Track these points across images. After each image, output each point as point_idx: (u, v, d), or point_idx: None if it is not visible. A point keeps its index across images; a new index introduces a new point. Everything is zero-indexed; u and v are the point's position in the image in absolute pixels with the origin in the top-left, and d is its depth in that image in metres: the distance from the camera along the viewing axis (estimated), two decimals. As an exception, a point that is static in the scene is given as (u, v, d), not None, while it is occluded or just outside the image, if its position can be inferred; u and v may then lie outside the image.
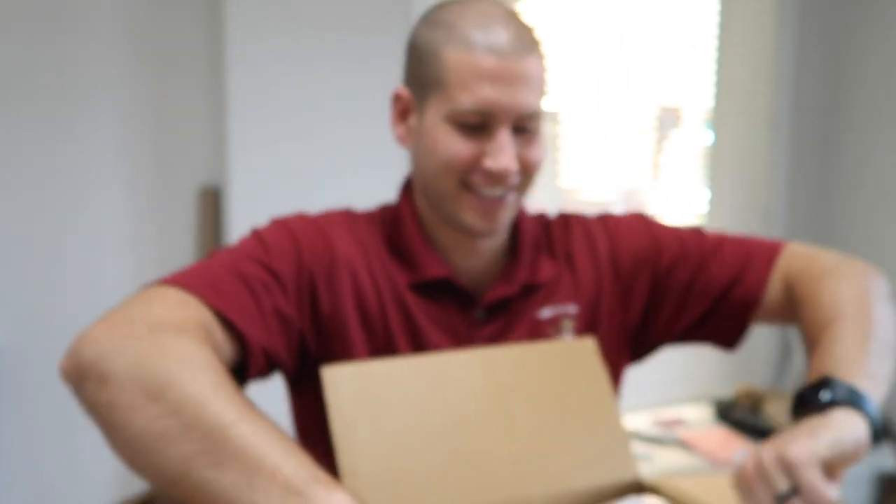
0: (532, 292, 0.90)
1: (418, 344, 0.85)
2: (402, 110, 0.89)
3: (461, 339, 0.87)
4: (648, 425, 2.37)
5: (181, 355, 0.63)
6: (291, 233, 0.85)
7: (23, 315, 1.79)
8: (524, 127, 0.82)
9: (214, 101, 1.91)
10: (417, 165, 0.89)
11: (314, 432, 0.84)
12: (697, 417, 2.47)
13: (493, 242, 0.89)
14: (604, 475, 0.74)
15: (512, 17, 0.83)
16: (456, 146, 0.81)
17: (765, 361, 2.68)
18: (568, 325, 0.89)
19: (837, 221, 2.64)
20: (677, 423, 2.41)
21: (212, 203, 1.94)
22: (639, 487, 0.76)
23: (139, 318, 0.68)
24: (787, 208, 2.61)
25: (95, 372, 0.64)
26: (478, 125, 0.81)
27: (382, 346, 0.85)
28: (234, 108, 1.82)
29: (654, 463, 2.11)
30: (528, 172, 0.84)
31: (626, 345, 0.96)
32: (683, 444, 2.26)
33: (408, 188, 0.93)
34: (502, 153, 0.80)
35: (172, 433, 0.58)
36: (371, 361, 0.71)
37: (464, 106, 0.80)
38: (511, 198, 0.85)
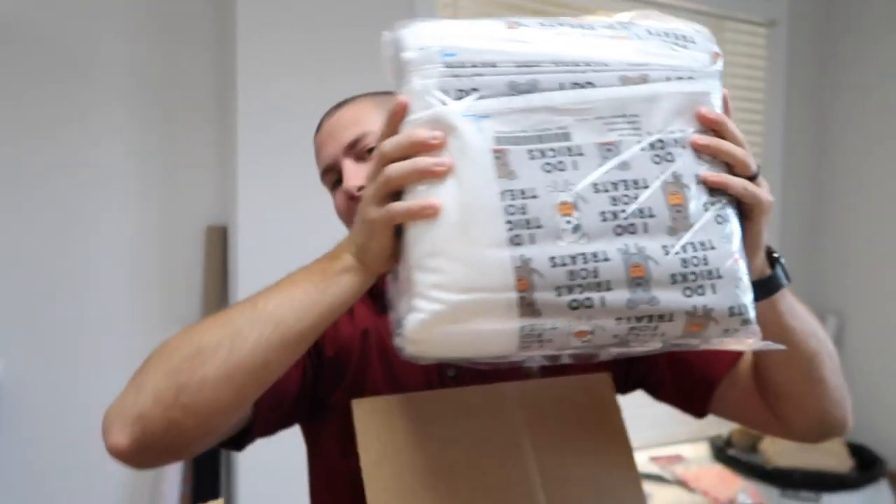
0: None
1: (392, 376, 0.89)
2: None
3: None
4: (646, 463, 2.39)
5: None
6: None
7: (32, 349, 1.81)
8: (365, 150, 0.92)
9: (222, 142, 1.97)
10: None
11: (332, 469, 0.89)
12: (695, 456, 2.50)
13: None
14: (614, 510, 0.77)
15: (340, 101, 1.01)
16: (337, 201, 0.97)
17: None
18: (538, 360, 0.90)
19: (828, 270, 2.70)
20: (676, 460, 2.43)
21: (218, 240, 1.98)
22: (648, 523, 0.79)
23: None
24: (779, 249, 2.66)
25: (145, 411, 0.68)
26: (338, 178, 0.95)
27: (358, 377, 0.89)
28: (242, 149, 1.86)
29: (654, 501, 2.13)
30: None
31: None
32: (682, 483, 2.28)
33: None
34: (346, 181, 0.92)
35: (229, 344, 0.68)
36: (397, 396, 0.74)
37: (321, 175, 0.99)
38: None
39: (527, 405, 0.78)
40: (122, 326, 1.90)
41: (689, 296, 0.64)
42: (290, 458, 1.83)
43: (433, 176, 0.63)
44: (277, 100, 1.89)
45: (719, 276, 0.64)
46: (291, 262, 1.92)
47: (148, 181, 1.91)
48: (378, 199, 0.66)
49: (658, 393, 1.00)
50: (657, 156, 0.66)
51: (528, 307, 0.61)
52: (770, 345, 0.68)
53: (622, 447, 0.80)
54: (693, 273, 0.64)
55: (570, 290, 0.61)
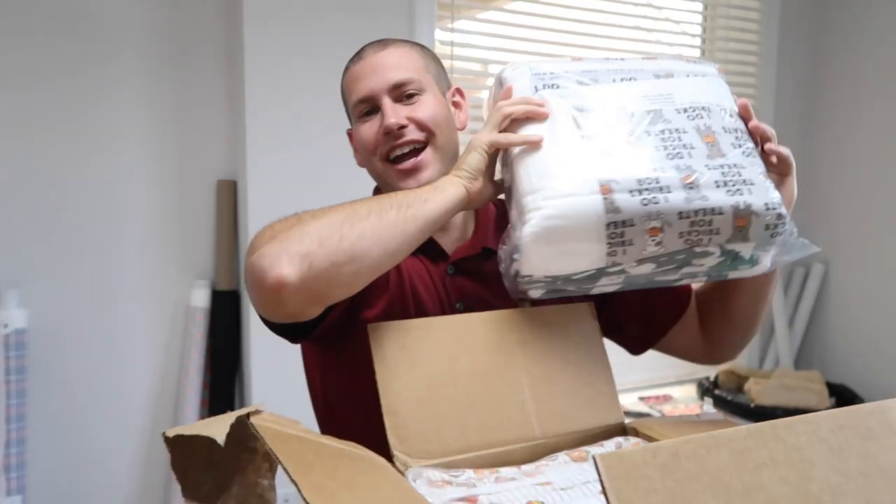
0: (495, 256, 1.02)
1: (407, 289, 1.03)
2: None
3: (437, 287, 1.05)
4: (636, 403, 2.52)
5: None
6: None
7: (53, 299, 1.92)
8: (404, 94, 1.04)
9: (232, 98, 2.05)
10: (367, 169, 1.10)
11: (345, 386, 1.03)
12: (683, 396, 2.64)
13: (457, 218, 1.06)
14: (594, 419, 0.89)
15: (378, 41, 1.09)
16: (365, 131, 1.05)
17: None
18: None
19: (817, 226, 2.79)
20: (664, 400, 2.57)
21: (228, 194, 2.07)
22: (623, 430, 0.91)
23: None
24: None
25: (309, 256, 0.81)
26: (370, 110, 1.04)
27: (391, 301, 1.01)
28: (251, 104, 1.95)
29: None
30: (425, 127, 1.03)
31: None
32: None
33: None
34: (386, 116, 1.02)
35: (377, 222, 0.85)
36: (407, 321, 0.86)
37: (354, 103, 1.06)
38: (426, 156, 1.03)
39: (520, 328, 0.89)
40: (139, 278, 2.01)
41: (731, 195, 0.84)
42: (300, 383, 1.97)
43: (538, 116, 0.91)
44: (284, 54, 1.97)
45: (752, 183, 0.86)
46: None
47: (161, 137, 2.00)
48: (494, 127, 0.93)
49: (613, 334, 1.14)
50: (689, 116, 0.90)
51: (610, 204, 0.83)
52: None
53: (602, 365, 0.92)
54: (731, 180, 0.85)
55: (640, 192, 0.83)
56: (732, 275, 0.92)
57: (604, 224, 0.83)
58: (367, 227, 0.84)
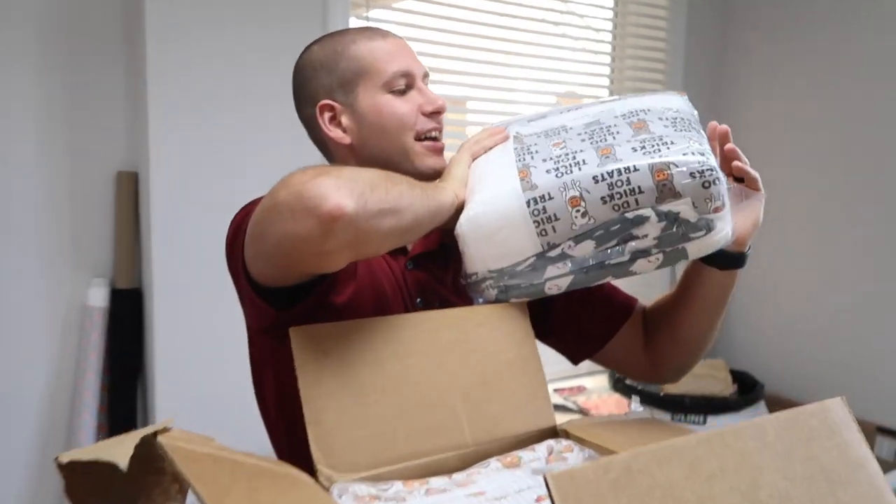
0: (453, 253, 0.99)
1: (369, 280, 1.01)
2: (332, 117, 1.05)
3: (398, 281, 1.03)
4: (551, 395, 2.54)
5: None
6: None
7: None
8: (426, 85, 1.06)
9: (132, 86, 1.92)
10: (366, 145, 1.04)
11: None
12: (596, 387, 2.68)
13: None
14: (526, 423, 0.86)
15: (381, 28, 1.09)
16: (399, 107, 1.02)
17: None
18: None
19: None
20: (578, 391, 2.61)
21: (129, 186, 1.95)
22: (554, 432, 0.89)
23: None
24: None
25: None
26: (404, 88, 1.03)
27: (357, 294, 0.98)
28: (153, 92, 1.83)
29: (558, 428, 2.28)
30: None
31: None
32: (584, 411, 2.45)
33: None
34: (437, 98, 1.05)
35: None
36: (333, 324, 0.80)
37: (390, 75, 1.02)
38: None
39: (452, 328, 0.85)
40: (30, 277, 1.86)
41: (646, 154, 0.85)
42: (209, 387, 1.87)
43: (500, 138, 1.02)
44: (189, 36, 1.86)
45: (672, 143, 0.86)
46: (210, 204, 1.93)
47: (54, 128, 1.85)
48: (473, 147, 1.02)
49: (547, 338, 1.13)
50: (625, 117, 0.93)
51: (526, 183, 0.87)
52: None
53: (534, 366, 0.89)
54: (650, 142, 0.86)
55: (556, 168, 0.87)
56: (692, 249, 0.87)
57: (524, 202, 0.86)
58: (406, 190, 0.84)
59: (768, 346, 2.81)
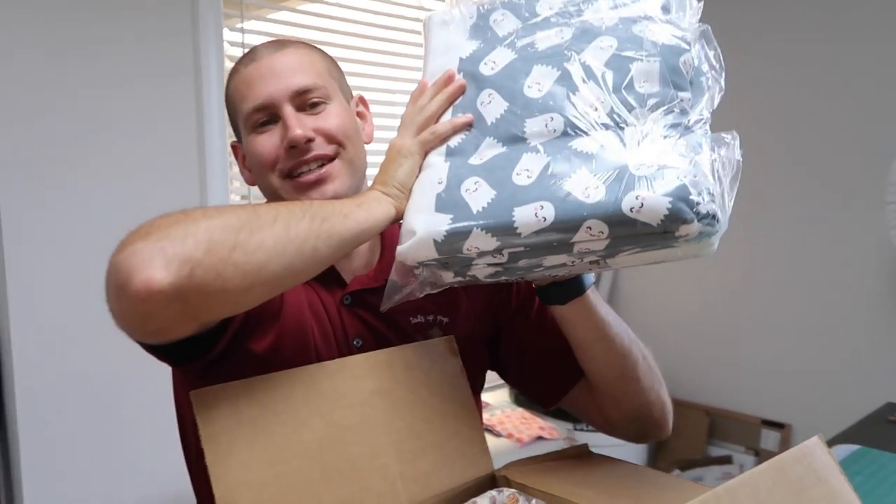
0: None
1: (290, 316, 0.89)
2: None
3: (331, 320, 0.91)
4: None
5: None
6: None
7: None
8: (308, 103, 0.90)
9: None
10: (260, 185, 0.95)
11: None
12: (497, 402, 2.64)
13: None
14: (464, 473, 0.78)
15: (272, 41, 0.95)
16: (262, 144, 0.90)
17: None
18: (436, 332, 0.93)
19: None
20: (483, 406, 2.55)
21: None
22: (493, 480, 0.81)
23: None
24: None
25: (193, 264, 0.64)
26: (268, 120, 0.90)
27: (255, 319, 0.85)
28: None
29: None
30: (334, 140, 0.90)
31: (487, 351, 1.02)
32: (488, 429, 2.40)
33: None
34: (291, 128, 0.87)
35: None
36: (243, 381, 0.68)
37: (247, 110, 0.90)
38: (333, 167, 0.90)
39: (377, 374, 0.76)
40: None
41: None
42: (79, 469, 1.67)
43: (458, 95, 0.84)
44: (33, 50, 1.66)
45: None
46: (69, 245, 1.72)
47: None
48: (417, 130, 0.83)
49: (510, 378, 1.05)
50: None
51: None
52: None
53: (467, 409, 0.81)
54: None
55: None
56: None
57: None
58: (270, 237, 0.68)
59: (655, 350, 2.87)
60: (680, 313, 2.87)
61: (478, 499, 0.76)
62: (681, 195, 0.65)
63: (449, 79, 0.85)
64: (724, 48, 0.78)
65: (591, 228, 0.68)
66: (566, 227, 0.69)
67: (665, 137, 0.70)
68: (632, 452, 2.51)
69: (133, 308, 0.63)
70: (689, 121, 0.73)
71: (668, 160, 0.68)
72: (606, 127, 0.73)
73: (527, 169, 0.74)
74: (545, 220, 0.69)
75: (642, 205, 0.65)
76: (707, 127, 0.74)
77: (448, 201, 0.76)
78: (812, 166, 2.51)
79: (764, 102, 2.57)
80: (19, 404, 1.67)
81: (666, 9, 0.79)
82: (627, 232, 0.67)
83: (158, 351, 0.79)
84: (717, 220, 0.67)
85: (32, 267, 1.68)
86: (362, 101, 1.02)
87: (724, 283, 2.75)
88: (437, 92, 0.85)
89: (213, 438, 0.64)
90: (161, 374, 0.95)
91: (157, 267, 0.62)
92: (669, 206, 0.65)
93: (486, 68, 0.83)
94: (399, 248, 0.79)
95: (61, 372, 1.72)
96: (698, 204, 0.65)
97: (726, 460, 2.74)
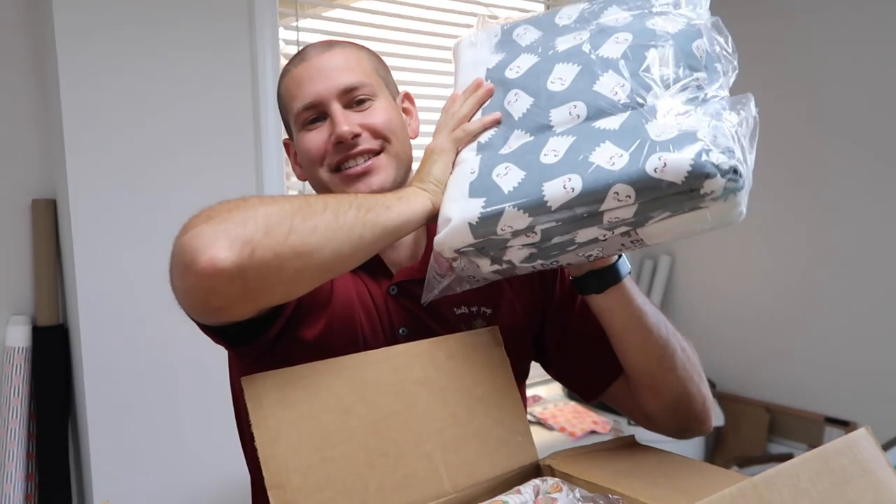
0: None
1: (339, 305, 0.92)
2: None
3: (378, 309, 0.94)
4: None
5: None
6: None
7: None
8: (355, 100, 0.95)
9: (44, 108, 1.78)
10: (311, 180, 1.00)
11: None
12: (551, 396, 2.63)
13: (409, 235, 0.92)
14: (508, 462, 0.79)
15: (321, 42, 1.00)
16: (311, 140, 0.95)
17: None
18: (480, 323, 0.94)
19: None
20: (533, 401, 2.55)
21: (47, 214, 1.80)
22: (538, 469, 0.82)
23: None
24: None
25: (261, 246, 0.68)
26: (317, 117, 0.95)
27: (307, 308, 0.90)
28: (69, 115, 1.69)
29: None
30: (380, 135, 0.95)
31: (530, 342, 1.02)
32: (541, 422, 2.40)
33: None
34: (338, 124, 0.93)
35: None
36: (291, 368, 0.71)
37: (298, 108, 0.95)
38: (380, 161, 0.95)
39: (420, 364, 0.77)
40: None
41: None
42: (146, 425, 1.74)
43: (487, 99, 0.89)
44: (102, 56, 1.73)
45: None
46: (134, 231, 1.79)
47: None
48: (449, 130, 0.88)
49: (553, 370, 1.05)
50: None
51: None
52: None
53: (511, 398, 0.82)
54: None
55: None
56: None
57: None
58: (322, 223, 0.73)
59: (712, 348, 2.82)
60: (738, 307, 2.81)
61: (521, 487, 0.76)
62: (702, 151, 0.68)
63: (478, 85, 0.91)
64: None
65: (618, 194, 0.70)
66: (594, 196, 0.71)
67: (684, 112, 0.73)
68: (689, 449, 2.47)
69: (198, 285, 0.67)
70: (705, 94, 0.76)
71: (687, 124, 0.71)
72: (627, 107, 0.77)
73: (554, 149, 0.77)
74: (573, 190, 0.72)
75: (665, 164, 0.68)
76: (724, 102, 0.76)
77: (480, 187, 0.79)
78: (888, 153, 2.43)
79: (839, 96, 2.50)
80: (89, 400, 1.75)
81: (676, 4, 0.84)
82: (654, 195, 0.70)
83: (216, 333, 0.82)
84: (741, 175, 0.69)
85: (98, 258, 1.75)
86: (408, 97, 1.06)
87: (785, 276, 2.68)
88: (467, 98, 0.90)
89: (262, 423, 0.67)
90: (219, 364, 0.99)
91: (221, 247, 0.66)
92: (692, 162, 0.67)
93: (512, 73, 0.88)
94: (436, 239, 0.81)
95: (128, 365, 1.79)
96: (719, 159, 0.67)
97: (787, 458, 2.67)
